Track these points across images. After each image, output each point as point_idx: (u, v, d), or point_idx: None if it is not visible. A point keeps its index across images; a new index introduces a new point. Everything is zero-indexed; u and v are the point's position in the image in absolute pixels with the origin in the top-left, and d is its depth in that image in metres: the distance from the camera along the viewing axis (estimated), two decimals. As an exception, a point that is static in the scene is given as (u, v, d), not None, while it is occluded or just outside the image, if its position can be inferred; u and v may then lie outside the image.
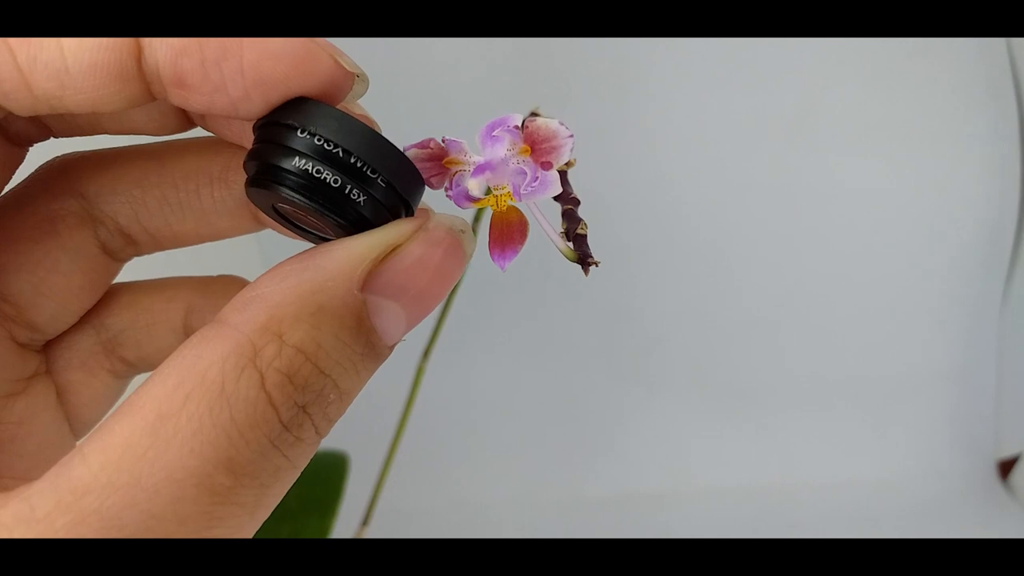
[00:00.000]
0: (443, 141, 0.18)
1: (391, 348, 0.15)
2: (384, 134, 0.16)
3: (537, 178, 0.18)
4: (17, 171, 0.18)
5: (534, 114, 0.18)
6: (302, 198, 0.15)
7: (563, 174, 0.20)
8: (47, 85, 0.15)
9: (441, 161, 0.18)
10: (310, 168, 0.15)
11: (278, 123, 0.15)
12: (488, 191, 0.18)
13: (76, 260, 0.18)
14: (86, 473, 0.13)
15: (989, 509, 0.57)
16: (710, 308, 0.58)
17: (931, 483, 0.59)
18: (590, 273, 0.18)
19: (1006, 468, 0.60)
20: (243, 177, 0.17)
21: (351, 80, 0.16)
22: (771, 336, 0.59)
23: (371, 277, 0.15)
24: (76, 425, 0.20)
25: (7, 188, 0.18)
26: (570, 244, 0.19)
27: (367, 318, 0.15)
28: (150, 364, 0.21)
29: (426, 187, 0.17)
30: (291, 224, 0.17)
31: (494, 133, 0.17)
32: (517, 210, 0.18)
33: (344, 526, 0.38)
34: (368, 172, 0.15)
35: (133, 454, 0.13)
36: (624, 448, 0.61)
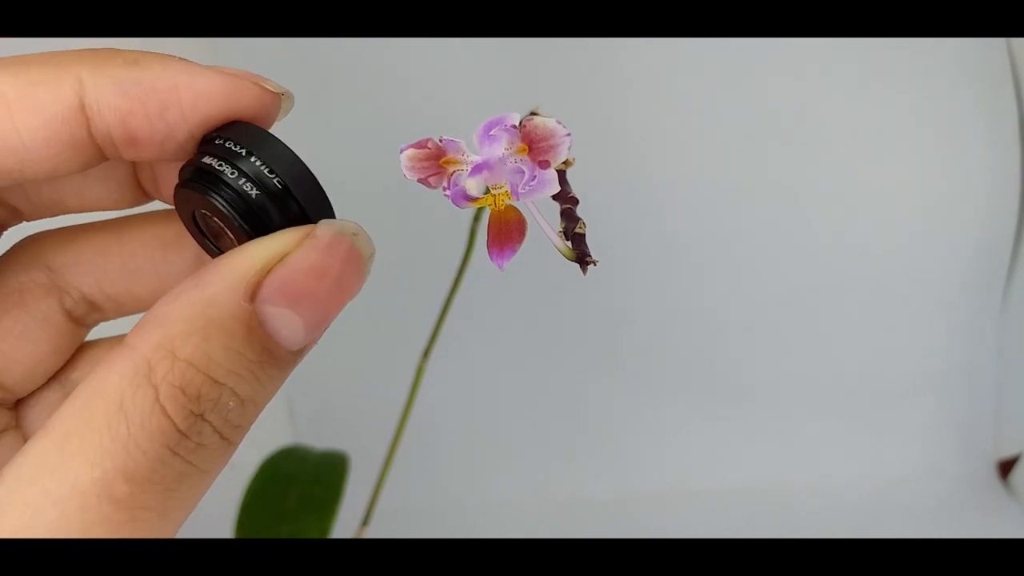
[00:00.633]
0: (440, 141, 0.18)
1: (296, 354, 0.16)
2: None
3: (535, 177, 0.18)
4: None
5: (532, 113, 0.18)
6: (225, 205, 0.16)
7: (561, 173, 0.20)
8: (7, 162, 0.16)
9: (439, 161, 0.18)
10: (239, 180, 0.16)
11: (218, 139, 0.17)
12: (486, 190, 0.18)
13: (43, 328, 0.20)
14: (1, 491, 0.14)
15: (989, 509, 0.57)
16: (710, 308, 0.58)
17: (931, 483, 0.59)
18: (588, 272, 0.18)
19: (1006, 468, 0.60)
20: (193, 244, 0.20)
21: (278, 100, 0.18)
22: (771, 336, 0.59)
23: (261, 287, 0.15)
24: None
25: None
26: (568, 243, 0.19)
27: (258, 327, 0.15)
28: None
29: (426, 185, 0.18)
30: (207, 239, 0.18)
31: (491, 132, 0.17)
32: (515, 209, 0.18)
33: (344, 526, 0.38)
34: (287, 196, 0.16)
35: (42, 470, 0.14)
36: (624, 448, 0.61)
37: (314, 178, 0.17)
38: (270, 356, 0.16)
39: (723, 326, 0.59)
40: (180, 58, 0.17)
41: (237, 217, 0.16)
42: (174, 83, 0.17)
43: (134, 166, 0.20)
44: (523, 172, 0.18)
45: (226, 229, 0.17)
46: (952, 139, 0.54)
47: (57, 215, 0.21)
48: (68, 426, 0.14)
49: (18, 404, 0.21)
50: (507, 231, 0.18)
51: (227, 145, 0.17)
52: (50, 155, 0.16)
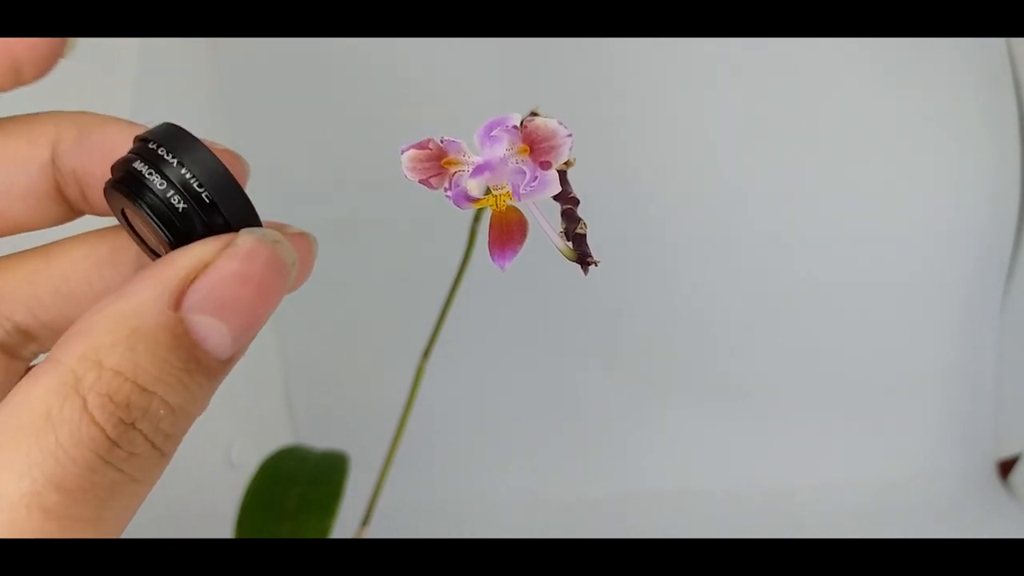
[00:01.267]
0: (442, 141, 0.18)
1: (226, 362, 0.16)
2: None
3: (536, 178, 0.18)
4: None
5: (533, 114, 0.18)
6: (147, 211, 0.16)
7: (562, 173, 0.20)
8: None
9: (440, 161, 0.18)
10: (162, 186, 0.16)
11: (150, 142, 0.17)
12: (487, 191, 0.18)
13: None
14: None
15: (989, 509, 0.57)
16: (710, 308, 0.58)
17: (931, 483, 0.59)
18: (589, 272, 0.18)
19: (1006, 468, 0.60)
20: (129, 260, 0.20)
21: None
22: (771, 336, 0.59)
23: (185, 296, 0.16)
24: None
25: None
26: (569, 243, 0.19)
27: (185, 334, 0.15)
28: None
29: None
30: (135, 235, 0.18)
31: (493, 133, 0.17)
32: (516, 210, 0.18)
33: (344, 526, 0.38)
34: (211, 205, 0.16)
35: None
36: (624, 448, 0.61)
37: (240, 189, 0.17)
38: (198, 364, 0.16)
39: (723, 326, 0.59)
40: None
41: (161, 226, 0.16)
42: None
43: (57, 182, 0.20)
44: (524, 173, 0.18)
45: (151, 233, 0.17)
46: (952, 139, 0.54)
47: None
48: None
49: None
50: (508, 232, 0.18)
51: (158, 151, 0.17)
52: (26, 207, 0.18)
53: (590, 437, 0.61)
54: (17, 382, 0.21)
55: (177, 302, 0.16)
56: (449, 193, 0.18)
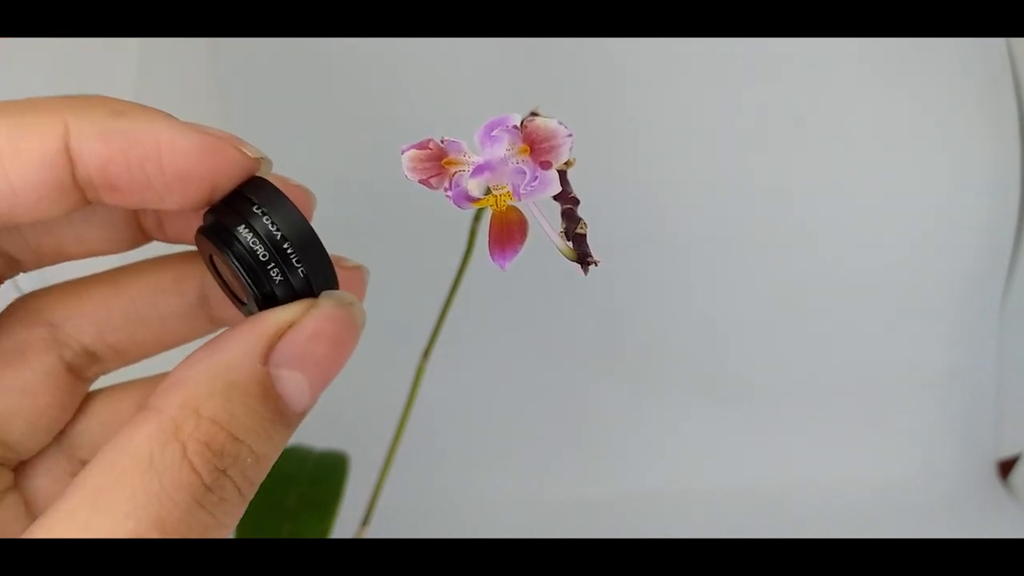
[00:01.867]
0: (442, 141, 0.18)
1: (301, 414, 0.18)
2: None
3: (536, 177, 0.18)
4: None
5: (533, 114, 0.18)
6: (234, 261, 0.17)
7: (563, 173, 0.20)
8: None
9: (440, 161, 0.18)
10: (250, 238, 0.17)
11: (242, 195, 0.18)
12: (488, 191, 0.18)
13: (44, 382, 0.21)
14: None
15: (989, 509, 0.57)
16: (710, 308, 0.58)
17: (931, 483, 0.59)
18: (589, 272, 0.18)
19: (1006, 468, 0.60)
20: (192, 288, 0.21)
21: (257, 165, 0.19)
22: (771, 336, 0.59)
23: (273, 352, 0.17)
24: None
25: None
26: (570, 243, 0.19)
27: (272, 387, 0.17)
28: None
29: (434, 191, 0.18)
30: (219, 277, 0.20)
31: (493, 133, 0.17)
32: (517, 210, 0.18)
33: (344, 526, 0.38)
34: (294, 260, 0.18)
35: (74, 525, 0.15)
36: (624, 448, 0.61)
37: (323, 249, 0.18)
38: (281, 415, 0.17)
39: (723, 326, 0.59)
40: (165, 113, 0.18)
41: (247, 279, 0.18)
42: (156, 138, 0.17)
43: (72, 173, 0.21)
44: (524, 173, 0.18)
45: (237, 282, 0.18)
46: (952, 139, 0.54)
47: (57, 263, 0.21)
48: (98, 483, 0.15)
49: (19, 467, 0.22)
50: (509, 232, 0.18)
51: (253, 208, 0.18)
52: (37, 199, 0.17)
53: (590, 437, 0.61)
54: (79, 401, 0.22)
55: (266, 358, 0.17)
56: (449, 193, 0.18)
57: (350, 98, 0.55)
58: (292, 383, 0.17)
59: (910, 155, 0.55)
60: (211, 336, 0.18)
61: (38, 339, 0.21)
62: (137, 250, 0.22)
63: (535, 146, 0.17)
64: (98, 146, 0.17)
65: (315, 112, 0.55)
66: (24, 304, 0.21)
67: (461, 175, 0.18)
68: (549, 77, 0.53)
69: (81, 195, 0.18)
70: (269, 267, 0.18)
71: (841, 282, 0.57)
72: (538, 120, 0.17)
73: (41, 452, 0.22)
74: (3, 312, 0.21)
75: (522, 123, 0.17)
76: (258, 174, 0.19)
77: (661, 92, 0.54)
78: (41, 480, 0.22)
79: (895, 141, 0.54)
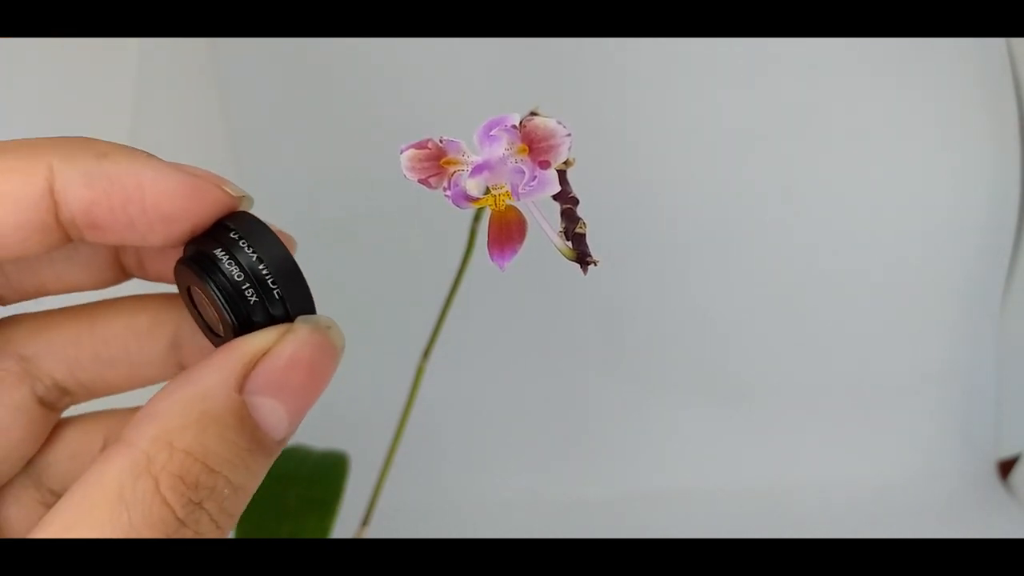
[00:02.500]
0: (441, 141, 0.18)
1: (280, 442, 0.17)
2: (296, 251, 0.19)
3: (535, 177, 0.18)
4: None
5: (533, 113, 0.18)
6: (212, 287, 0.17)
7: (562, 173, 0.20)
8: None
9: (439, 161, 0.18)
10: (228, 264, 0.18)
11: (222, 224, 0.18)
12: (487, 191, 0.18)
13: (15, 416, 0.21)
14: None
15: (989, 509, 0.57)
16: (710, 308, 0.58)
17: (931, 483, 0.59)
18: (589, 272, 0.18)
19: (1006, 468, 0.60)
20: (166, 333, 0.21)
21: (238, 203, 0.19)
22: (771, 336, 0.59)
23: (248, 380, 0.17)
24: None
25: None
26: (569, 243, 0.19)
27: (248, 416, 0.16)
28: None
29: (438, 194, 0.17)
30: (195, 310, 0.19)
31: (492, 132, 0.17)
32: (516, 209, 0.18)
33: (344, 526, 0.38)
34: (271, 285, 0.18)
35: None
36: (624, 448, 0.61)
37: (302, 278, 0.18)
38: (258, 444, 0.17)
39: (723, 326, 0.59)
40: (148, 155, 0.18)
41: (226, 307, 0.17)
42: (138, 180, 0.18)
43: (116, 249, 0.21)
44: (523, 172, 0.18)
45: (215, 312, 0.18)
46: (952, 139, 0.54)
47: (36, 297, 0.21)
48: (67, 519, 0.15)
49: None
50: (508, 231, 0.18)
51: (232, 236, 0.18)
52: (21, 238, 0.17)
53: (590, 437, 0.61)
54: (50, 432, 0.22)
55: (241, 386, 0.17)
56: (448, 193, 0.18)
57: (350, 98, 0.55)
58: (269, 411, 0.17)
59: (910, 155, 0.55)
60: None
61: (10, 373, 0.21)
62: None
63: (534, 146, 0.17)
64: (82, 189, 0.17)
65: (315, 112, 0.55)
66: None
67: (460, 175, 0.18)
68: (549, 77, 0.53)
69: (64, 234, 0.18)
70: (246, 292, 0.17)
71: (841, 282, 0.57)
72: (537, 120, 0.17)
73: (10, 481, 0.22)
74: None
75: (521, 123, 0.17)
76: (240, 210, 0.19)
77: (661, 92, 0.54)
78: (10, 510, 0.21)
79: (895, 141, 0.54)
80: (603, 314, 0.58)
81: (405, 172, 0.18)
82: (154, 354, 0.22)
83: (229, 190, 0.18)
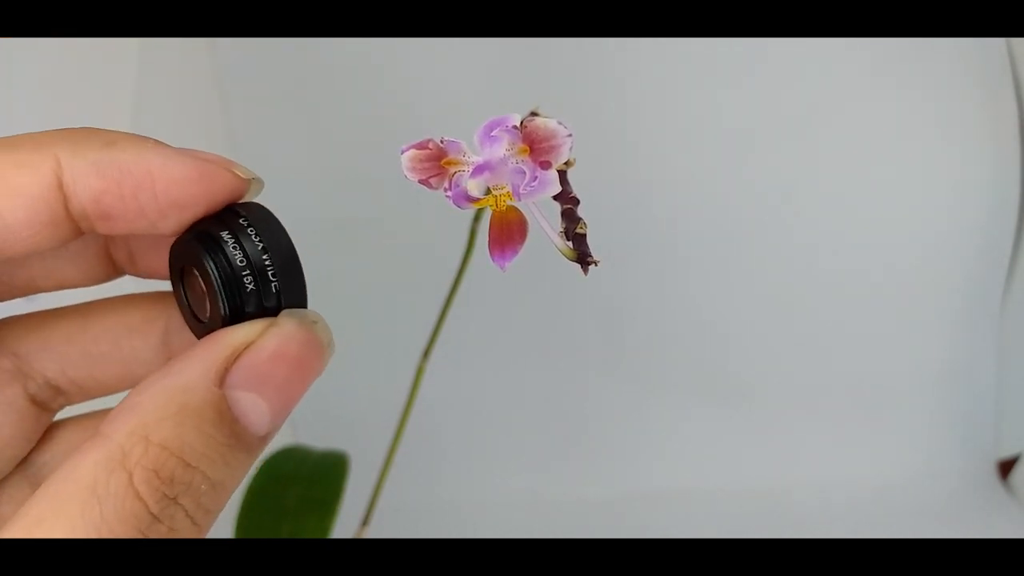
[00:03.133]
0: (442, 141, 0.18)
1: (263, 439, 0.17)
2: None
3: (536, 177, 0.18)
4: None
5: (533, 114, 0.18)
6: (212, 268, 0.17)
7: (562, 173, 0.20)
8: None
9: (440, 162, 0.18)
10: (232, 246, 0.17)
11: (231, 209, 0.18)
12: (487, 191, 0.18)
13: (7, 413, 0.20)
14: None
15: (989, 509, 0.57)
16: (710, 308, 0.58)
17: (931, 483, 0.59)
18: (589, 272, 0.18)
19: (1006, 468, 0.60)
20: (156, 330, 0.21)
21: (247, 185, 0.19)
22: (771, 336, 0.59)
23: (229, 373, 0.16)
24: None
25: None
26: (569, 243, 0.19)
27: (228, 411, 0.16)
28: None
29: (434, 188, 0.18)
30: (183, 295, 0.19)
31: (492, 133, 0.17)
32: (516, 210, 0.18)
33: (344, 526, 0.38)
34: (271, 275, 0.17)
35: None
36: (624, 448, 0.61)
37: (302, 275, 0.18)
38: (238, 440, 0.16)
39: (723, 326, 0.59)
40: (155, 141, 0.18)
41: (221, 290, 0.17)
42: (148, 167, 0.17)
43: (106, 244, 0.21)
44: (524, 173, 0.18)
45: (206, 296, 0.18)
46: (952, 139, 0.54)
47: (28, 295, 0.21)
48: (39, 511, 0.15)
49: None
50: (508, 231, 0.18)
51: (241, 222, 0.18)
52: (31, 233, 0.17)
53: (590, 437, 0.61)
54: (45, 431, 0.22)
55: (221, 379, 0.16)
56: (449, 193, 0.18)
57: (350, 98, 0.55)
58: (250, 406, 0.16)
59: (910, 155, 0.55)
60: None
61: (3, 370, 0.20)
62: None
63: (535, 146, 0.17)
64: (91, 179, 0.17)
65: (315, 112, 0.55)
66: None
67: (461, 175, 0.18)
68: (549, 77, 0.53)
69: (75, 226, 0.18)
70: (245, 278, 0.17)
71: (841, 282, 0.57)
72: (538, 120, 0.17)
73: (4, 480, 0.21)
74: None
75: (522, 123, 0.17)
76: (250, 193, 0.19)
77: (661, 92, 0.54)
78: (4, 508, 0.21)
79: (895, 141, 0.54)
80: (603, 314, 0.58)
81: (406, 172, 0.18)
82: (146, 351, 0.21)
83: (239, 172, 0.18)
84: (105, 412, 0.23)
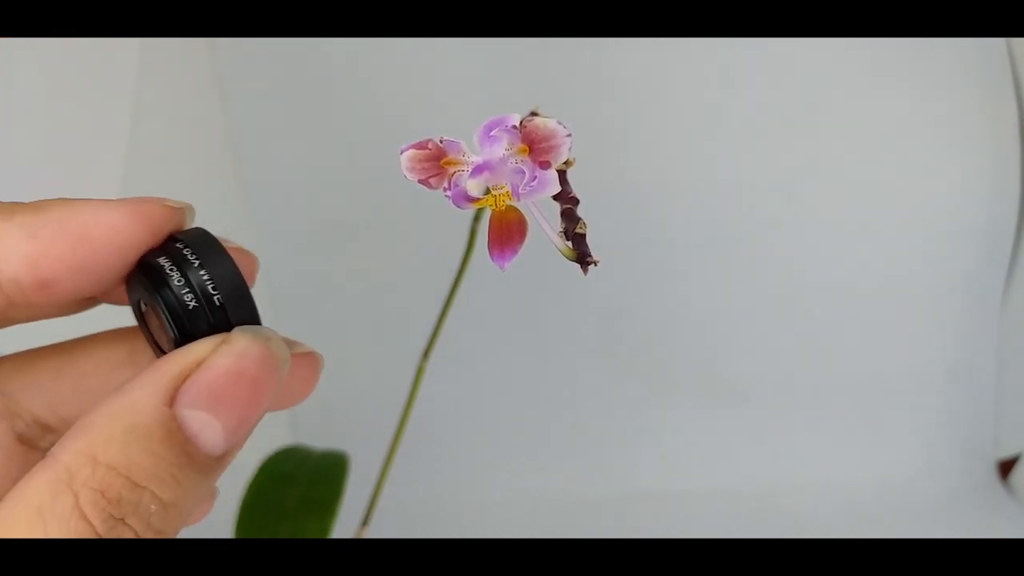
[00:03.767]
0: (441, 141, 0.18)
1: (219, 459, 0.16)
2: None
3: (535, 177, 0.18)
4: None
5: (533, 114, 0.18)
6: (159, 300, 0.17)
7: (562, 173, 0.20)
8: None
9: (439, 161, 0.18)
10: (169, 271, 0.17)
11: (171, 237, 0.18)
12: (487, 191, 0.18)
13: None
14: None
15: (989, 509, 0.57)
16: (710, 308, 0.58)
17: (931, 483, 0.59)
18: (589, 272, 0.18)
19: (1006, 468, 0.60)
20: (144, 362, 0.20)
21: (183, 215, 0.18)
22: (771, 336, 0.59)
23: (179, 392, 0.16)
24: None
25: None
26: (569, 243, 0.19)
27: (178, 430, 0.16)
28: None
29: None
30: (146, 329, 0.19)
31: (492, 133, 0.17)
32: (516, 210, 0.18)
33: (344, 526, 0.38)
34: (216, 300, 0.17)
35: None
36: (624, 448, 0.61)
37: (248, 293, 0.18)
38: (190, 460, 0.16)
39: (723, 326, 0.59)
40: (83, 199, 0.18)
41: (168, 317, 0.17)
42: (82, 220, 0.17)
43: None
44: (524, 172, 0.18)
45: (161, 327, 0.18)
46: (952, 139, 0.54)
47: (4, 327, 0.21)
48: None
49: None
50: (508, 231, 0.18)
51: (180, 248, 0.18)
52: None
53: (590, 437, 0.61)
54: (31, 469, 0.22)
55: (172, 399, 0.16)
56: (449, 193, 0.18)
57: (350, 98, 0.55)
58: (202, 425, 0.16)
59: (910, 155, 0.55)
60: None
61: None
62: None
63: (534, 146, 0.17)
64: (23, 245, 0.17)
65: (315, 112, 0.55)
66: None
67: (460, 175, 0.18)
68: (548, 77, 0.53)
69: (4, 301, 0.17)
70: (195, 312, 0.17)
71: (841, 282, 0.57)
72: (537, 120, 0.17)
73: None
74: None
75: (521, 123, 0.17)
76: (187, 221, 0.19)
77: (661, 92, 0.54)
78: None
79: (895, 141, 0.54)
80: (603, 314, 0.58)
81: (405, 172, 0.18)
82: None
83: (171, 204, 0.18)
84: None
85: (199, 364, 0.16)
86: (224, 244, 0.18)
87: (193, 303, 0.17)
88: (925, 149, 0.54)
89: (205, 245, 0.18)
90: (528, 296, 0.57)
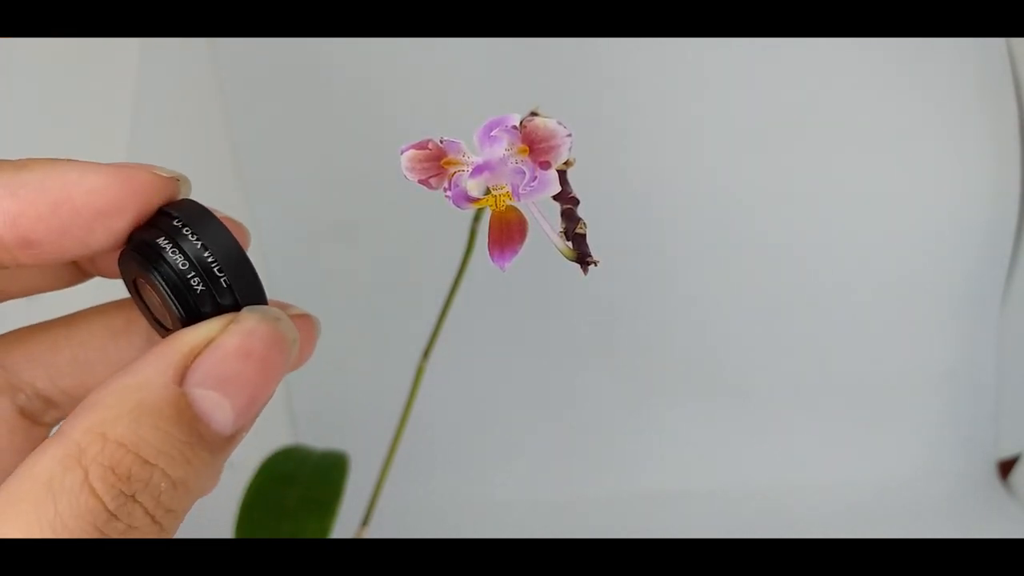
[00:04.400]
0: (441, 141, 0.18)
1: (229, 438, 0.17)
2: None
3: (536, 178, 0.18)
4: None
5: (533, 114, 0.18)
6: (158, 278, 0.17)
7: (562, 173, 0.20)
8: None
9: (439, 162, 0.18)
10: (172, 252, 0.17)
11: (164, 212, 0.18)
12: (487, 191, 0.18)
13: None
14: None
15: (989, 509, 0.57)
16: (710, 307, 0.58)
17: (931, 483, 0.59)
18: (589, 272, 0.18)
19: (1006, 468, 0.60)
20: (141, 331, 0.21)
21: (174, 185, 0.18)
22: (771, 336, 0.59)
23: (189, 371, 0.16)
24: None
25: None
26: (569, 243, 0.19)
27: (187, 408, 0.16)
28: None
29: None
30: (143, 304, 0.19)
31: (492, 133, 0.17)
32: (516, 210, 0.18)
33: (344, 526, 0.38)
34: (217, 272, 0.17)
35: None
36: (623, 448, 0.61)
37: (253, 270, 0.17)
38: (200, 439, 0.16)
39: (723, 326, 0.59)
40: (69, 159, 0.17)
41: (171, 296, 0.17)
42: (63, 180, 0.17)
43: None
44: (524, 173, 0.18)
45: (161, 304, 0.17)
46: (952, 139, 0.54)
47: (2, 301, 0.21)
48: None
49: None
50: (508, 232, 0.18)
51: (176, 223, 0.17)
52: None
53: (590, 437, 0.61)
54: (36, 446, 0.22)
55: (181, 377, 0.16)
56: (449, 193, 0.18)
57: (350, 98, 0.55)
58: (212, 404, 0.16)
59: (910, 155, 0.55)
60: None
61: None
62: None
63: (534, 146, 0.17)
64: (4, 203, 0.16)
65: (315, 112, 0.55)
66: None
67: (460, 175, 0.18)
68: (549, 77, 0.53)
69: None
70: (192, 281, 0.17)
71: (841, 282, 0.57)
72: (537, 120, 0.17)
73: None
74: None
75: (521, 123, 0.17)
76: (180, 194, 0.18)
77: (661, 92, 0.54)
78: None
79: (895, 141, 0.54)
80: (603, 314, 0.58)
81: (405, 173, 0.18)
82: (132, 353, 0.21)
83: (160, 172, 0.18)
84: None
85: (208, 343, 0.16)
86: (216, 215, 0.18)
87: (198, 283, 0.17)
88: (925, 149, 0.54)
89: (199, 217, 0.17)
90: (528, 296, 0.57)
